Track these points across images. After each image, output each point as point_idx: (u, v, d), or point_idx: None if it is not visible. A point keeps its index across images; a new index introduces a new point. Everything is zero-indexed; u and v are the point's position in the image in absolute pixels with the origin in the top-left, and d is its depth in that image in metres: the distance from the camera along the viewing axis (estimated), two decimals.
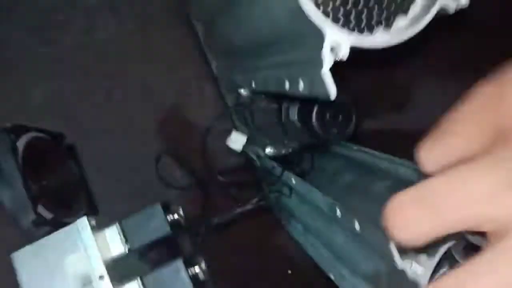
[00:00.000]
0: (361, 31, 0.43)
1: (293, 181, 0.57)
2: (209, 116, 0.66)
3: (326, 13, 0.41)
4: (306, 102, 0.55)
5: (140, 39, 0.65)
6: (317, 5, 0.42)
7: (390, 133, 0.69)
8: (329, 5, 0.42)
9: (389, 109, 0.70)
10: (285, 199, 0.62)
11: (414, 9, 0.43)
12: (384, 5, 0.44)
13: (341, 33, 0.40)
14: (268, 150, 0.63)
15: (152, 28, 0.66)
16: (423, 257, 0.37)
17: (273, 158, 0.63)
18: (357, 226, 0.44)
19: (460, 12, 0.42)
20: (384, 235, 0.39)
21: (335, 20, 0.42)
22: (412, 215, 0.27)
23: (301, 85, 0.45)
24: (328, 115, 0.54)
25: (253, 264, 0.66)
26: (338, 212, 0.47)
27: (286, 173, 0.58)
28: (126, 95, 0.65)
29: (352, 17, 0.44)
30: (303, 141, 0.59)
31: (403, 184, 0.44)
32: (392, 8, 0.44)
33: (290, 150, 0.63)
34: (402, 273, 0.37)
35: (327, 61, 0.40)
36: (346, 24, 0.43)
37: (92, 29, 0.65)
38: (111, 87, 0.65)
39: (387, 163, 0.53)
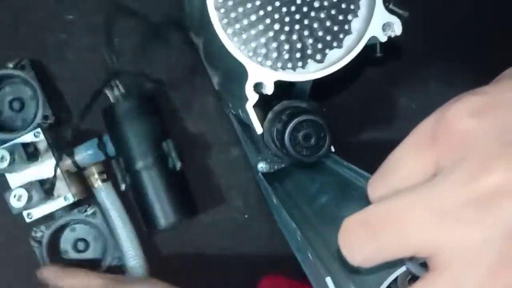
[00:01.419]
0: (294, 64, 0.43)
1: (274, 201, 0.57)
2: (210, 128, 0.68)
3: (253, 49, 0.42)
4: (284, 122, 0.55)
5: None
6: (243, 43, 0.42)
7: (377, 147, 0.67)
8: (254, 42, 0.42)
9: (375, 122, 0.68)
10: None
11: (348, 40, 0.43)
12: (318, 38, 0.43)
13: (264, 70, 0.40)
14: (260, 166, 0.63)
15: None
16: None
17: (265, 174, 0.63)
18: (310, 255, 0.43)
19: None
20: (324, 269, 0.39)
21: (267, 55, 0.42)
22: (355, 238, 0.28)
23: (243, 116, 0.46)
24: (300, 136, 0.53)
25: None
26: (299, 238, 0.47)
27: (270, 191, 0.59)
28: None
29: (283, 52, 0.43)
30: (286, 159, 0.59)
31: None
32: (328, 40, 0.43)
33: (282, 165, 0.63)
34: None
35: (250, 97, 0.41)
36: (277, 59, 0.43)
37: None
38: None
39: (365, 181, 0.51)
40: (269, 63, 0.44)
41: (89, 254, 0.64)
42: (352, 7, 0.45)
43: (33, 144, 0.59)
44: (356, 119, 0.68)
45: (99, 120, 0.64)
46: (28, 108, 0.65)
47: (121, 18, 0.65)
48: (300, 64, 0.44)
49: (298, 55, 0.44)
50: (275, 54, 0.44)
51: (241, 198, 0.68)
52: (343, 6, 0.45)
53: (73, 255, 0.64)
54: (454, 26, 0.68)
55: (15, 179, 0.60)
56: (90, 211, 0.62)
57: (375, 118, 0.69)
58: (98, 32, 0.64)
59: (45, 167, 0.60)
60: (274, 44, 0.44)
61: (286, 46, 0.44)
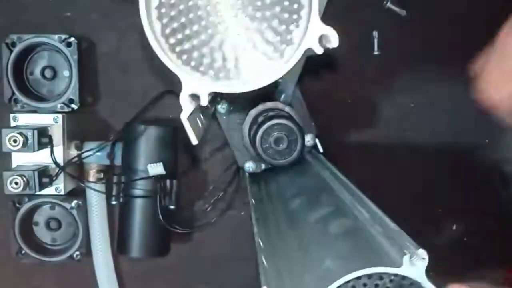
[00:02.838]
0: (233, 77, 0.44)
1: (253, 202, 0.58)
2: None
3: (195, 59, 0.43)
4: (257, 126, 0.57)
5: None
6: (186, 52, 0.43)
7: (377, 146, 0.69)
8: (197, 52, 0.44)
9: (374, 122, 0.69)
10: None
11: (289, 51, 0.43)
12: (260, 49, 0.44)
13: (198, 82, 0.42)
14: (247, 165, 0.63)
15: None
16: None
17: (252, 174, 0.63)
18: (264, 261, 0.44)
19: None
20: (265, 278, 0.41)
21: (210, 66, 0.43)
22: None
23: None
24: (271, 140, 0.55)
25: None
26: (260, 244, 0.47)
27: (248, 191, 0.60)
28: None
29: (226, 62, 0.44)
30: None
31: (340, 213, 0.45)
32: (270, 51, 0.44)
33: (269, 165, 0.62)
34: None
35: (185, 108, 0.42)
36: (220, 69, 0.44)
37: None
38: None
39: (338, 184, 0.52)
40: (211, 73, 0.44)
41: (57, 235, 0.66)
42: (294, 17, 0.44)
43: (48, 134, 0.59)
44: (356, 119, 0.68)
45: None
46: (59, 81, 0.64)
47: None
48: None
49: (239, 65, 0.44)
50: (217, 64, 0.44)
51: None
52: (286, 16, 0.44)
53: (42, 229, 0.66)
54: (454, 25, 0.67)
55: (19, 158, 0.60)
56: (74, 202, 0.63)
57: (375, 117, 0.69)
58: None
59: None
60: (217, 55, 0.44)
61: (229, 56, 0.44)
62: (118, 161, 0.63)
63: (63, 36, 0.61)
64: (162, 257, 0.64)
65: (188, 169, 0.66)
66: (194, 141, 0.46)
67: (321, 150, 0.63)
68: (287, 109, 0.60)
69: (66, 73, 0.63)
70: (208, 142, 0.66)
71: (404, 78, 0.67)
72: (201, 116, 0.53)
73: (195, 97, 0.43)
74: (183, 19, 0.44)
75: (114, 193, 0.62)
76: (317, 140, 0.63)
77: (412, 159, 0.64)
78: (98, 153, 0.63)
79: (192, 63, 0.44)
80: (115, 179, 0.62)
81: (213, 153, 0.67)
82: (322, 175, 0.56)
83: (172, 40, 0.44)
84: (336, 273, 0.34)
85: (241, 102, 0.62)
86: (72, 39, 0.61)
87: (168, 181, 0.62)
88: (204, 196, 0.66)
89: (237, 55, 0.44)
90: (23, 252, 0.63)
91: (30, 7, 0.65)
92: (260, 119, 0.59)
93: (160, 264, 0.67)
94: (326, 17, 0.62)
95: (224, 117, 0.63)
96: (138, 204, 0.62)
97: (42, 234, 0.66)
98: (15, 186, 0.57)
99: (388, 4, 0.65)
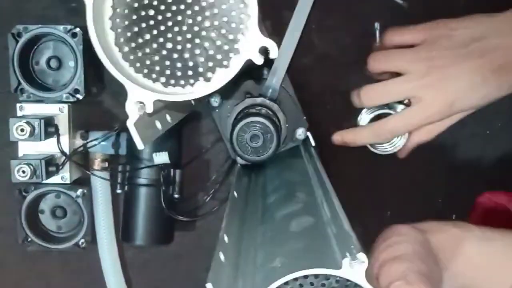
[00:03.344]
0: (186, 82, 0.46)
1: (234, 194, 0.57)
2: None
3: (147, 67, 0.46)
4: (236, 122, 0.58)
5: None
6: (138, 60, 0.46)
7: None
8: (149, 60, 0.46)
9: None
10: None
11: (233, 63, 0.46)
12: (209, 57, 0.46)
13: (142, 90, 0.44)
14: (239, 158, 0.63)
15: None
16: None
17: (244, 166, 0.64)
18: (222, 256, 0.43)
19: None
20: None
21: (161, 72, 0.46)
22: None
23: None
24: (247, 137, 0.56)
25: None
26: (223, 238, 0.46)
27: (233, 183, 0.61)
28: None
29: (175, 69, 0.46)
30: None
31: (305, 211, 0.46)
32: (211, 65, 0.46)
33: None
34: None
35: (131, 115, 0.44)
36: (170, 76, 0.46)
37: None
38: None
39: (317, 180, 0.53)
40: (163, 79, 0.46)
41: (62, 223, 0.67)
42: (241, 26, 0.46)
43: (54, 124, 0.60)
44: (355, 118, 0.68)
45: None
46: (64, 71, 0.65)
47: None
48: (191, 81, 0.47)
49: (190, 73, 0.46)
50: (168, 72, 0.46)
51: None
52: (233, 25, 0.46)
53: (47, 217, 0.67)
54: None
55: (25, 147, 0.61)
56: (80, 191, 0.64)
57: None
58: None
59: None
60: (167, 62, 0.46)
61: (179, 64, 0.46)
62: (122, 151, 0.64)
63: (69, 27, 0.62)
64: (165, 245, 0.66)
65: (191, 159, 0.67)
66: (139, 146, 0.47)
67: (313, 143, 0.64)
68: (270, 104, 0.61)
69: (71, 63, 0.64)
70: (211, 132, 0.67)
71: None
72: (167, 115, 0.54)
73: (142, 104, 0.45)
74: (135, 29, 0.45)
75: (119, 181, 0.63)
76: (309, 134, 0.64)
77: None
78: (103, 143, 0.64)
79: (145, 71, 0.46)
80: (120, 168, 0.63)
81: (215, 143, 0.67)
82: (306, 170, 0.57)
83: (125, 49, 0.46)
84: (281, 272, 0.35)
85: (233, 96, 0.63)
86: (78, 29, 0.61)
87: (172, 170, 0.63)
88: (206, 186, 0.67)
89: (187, 63, 0.46)
90: (29, 239, 0.64)
91: None
92: (240, 115, 0.60)
93: (163, 252, 0.68)
94: (329, 9, 0.64)
95: (217, 110, 0.63)
96: (143, 193, 0.63)
97: (48, 222, 0.67)
98: (22, 174, 0.58)
99: None
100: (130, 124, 0.45)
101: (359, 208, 0.64)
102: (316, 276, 0.36)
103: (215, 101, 0.63)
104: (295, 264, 0.36)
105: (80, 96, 0.62)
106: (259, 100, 0.60)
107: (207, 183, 0.67)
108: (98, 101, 0.67)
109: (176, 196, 0.63)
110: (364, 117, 0.64)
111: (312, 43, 0.67)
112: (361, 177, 0.68)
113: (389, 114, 0.60)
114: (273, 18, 0.63)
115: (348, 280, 0.35)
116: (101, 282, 0.67)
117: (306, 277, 0.36)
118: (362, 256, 0.34)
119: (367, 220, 0.57)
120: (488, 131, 0.68)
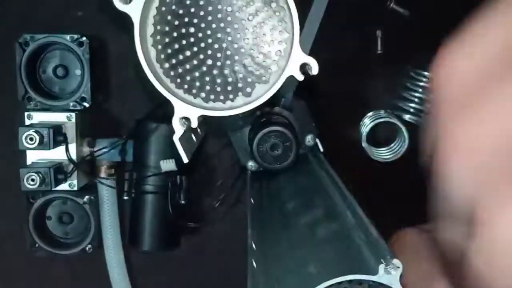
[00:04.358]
0: (226, 97, 0.47)
1: (252, 201, 0.59)
2: None
3: (188, 82, 0.46)
4: (255, 132, 0.59)
5: None
6: (179, 76, 0.46)
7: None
8: (189, 76, 0.46)
9: None
10: None
11: (272, 78, 0.46)
12: (249, 73, 0.46)
13: (189, 106, 0.45)
14: (250, 164, 0.64)
15: None
16: None
17: (255, 172, 0.64)
18: (254, 264, 0.45)
19: None
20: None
21: (201, 88, 0.46)
22: None
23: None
24: (267, 146, 0.57)
25: None
26: (252, 246, 0.48)
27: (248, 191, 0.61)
28: None
29: (216, 85, 0.47)
30: None
31: (329, 217, 0.47)
32: (257, 74, 0.47)
33: None
34: None
35: (177, 130, 0.45)
36: (210, 92, 0.46)
37: None
38: None
39: (332, 186, 0.53)
40: (203, 95, 0.46)
41: (69, 229, 0.68)
42: (282, 44, 0.46)
43: (63, 132, 0.61)
44: (355, 118, 0.70)
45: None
46: (71, 79, 0.65)
47: None
48: (231, 97, 0.47)
49: (229, 88, 0.47)
50: (208, 87, 0.47)
51: None
52: (274, 43, 0.46)
53: (54, 223, 0.68)
54: (454, 26, 0.69)
55: (33, 155, 0.61)
56: (87, 197, 0.65)
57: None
58: None
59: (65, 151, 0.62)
60: (208, 78, 0.47)
61: (219, 80, 0.47)
62: (129, 158, 0.65)
63: (75, 36, 0.62)
64: (172, 250, 0.67)
65: (197, 164, 0.68)
66: (185, 159, 0.48)
67: (321, 149, 0.65)
68: (286, 113, 0.62)
69: (78, 71, 0.64)
70: (217, 137, 0.68)
71: (407, 76, 0.69)
72: (198, 129, 0.55)
73: (186, 119, 0.46)
74: (176, 46, 0.46)
75: (125, 188, 0.64)
76: (317, 140, 0.65)
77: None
78: (110, 150, 0.65)
79: (185, 86, 0.46)
80: (126, 175, 0.64)
81: (221, 149, 0.68)
82: (319, 175, 0.58)
83: (166, 65, 0.46)
84: (318, 278, 0.36)
85: None
86: (84, 38, 0.62)
87: (178, 177, 0.64)
88: (212, 192, 0.68)
89: (226, 78, 0.46)
90: (36, 245, 0.65)
91: (42, 7, 0.66)
92: (259, 124, 0.61)
93: (170, 257, 0.69)
94: (330, 17, 0.65)
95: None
96: (149, 199, 0.64)
97: (55, 228, 0.68)
98: (31, 182, 0.59)
99: (392, 4, 0.66)
100: (176, 139, 0.46)
101: None
102: (350, 281, 0.36)
103: None
104: (330, 270, 0.37)
105: (87, 104, 0.63)
106: (276, 109, 0.61)
107: (214, 188, 0.68)
108: (105, 109, 0.68)
109: (183, 202, 0.64)
110: (366, 123, 0.65)
111: (313, 51, 0.68)
112: (361, 184, 0.69)
113: (390, 122, 0.61)
114: None
115: (380, 284, 0.36)
116: (107, 287, 0.68)
117: (340, 283, 0.36)
118: (397, 262, 0.36)
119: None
120: None
